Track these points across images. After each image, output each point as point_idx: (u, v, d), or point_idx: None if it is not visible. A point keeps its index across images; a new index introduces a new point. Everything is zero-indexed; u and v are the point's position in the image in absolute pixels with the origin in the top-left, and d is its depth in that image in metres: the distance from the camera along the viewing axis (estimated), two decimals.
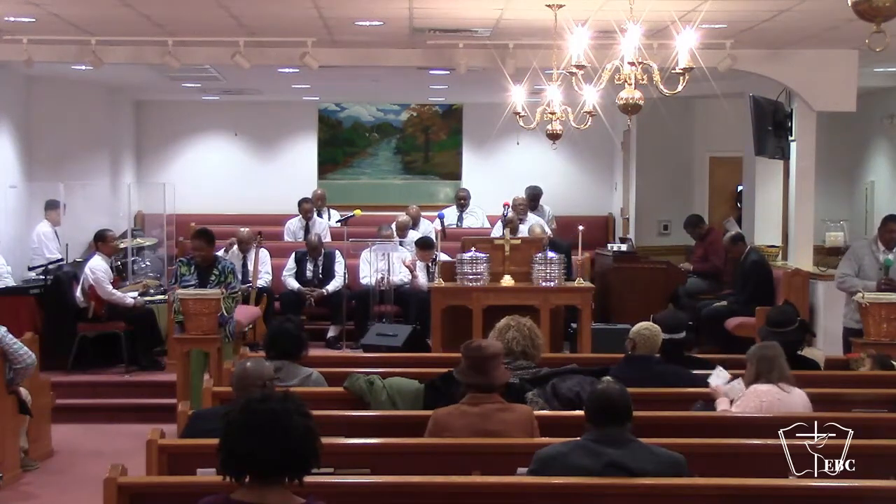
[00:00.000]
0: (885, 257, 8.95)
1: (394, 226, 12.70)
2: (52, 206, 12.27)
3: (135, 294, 10.53)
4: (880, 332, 8.05)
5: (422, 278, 11.29)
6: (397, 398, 5.87)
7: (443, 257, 10.60)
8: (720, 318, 10.57)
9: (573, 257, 10.47)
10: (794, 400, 5.51)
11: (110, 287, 10.16)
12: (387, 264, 11.43)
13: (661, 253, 13.67)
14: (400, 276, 11.55)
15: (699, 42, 5.98)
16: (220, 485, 3.22)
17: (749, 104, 11.35)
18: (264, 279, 11.52)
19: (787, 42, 10.16)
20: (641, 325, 6.35)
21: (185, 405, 5.69)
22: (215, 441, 3.20)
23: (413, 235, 12.72)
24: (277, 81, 13.67)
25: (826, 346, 9.47)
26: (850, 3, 4.27)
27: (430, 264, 11.31)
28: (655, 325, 6.38)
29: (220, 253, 10.28)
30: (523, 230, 12.28)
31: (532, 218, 12.93)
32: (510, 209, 11.89)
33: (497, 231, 12.32)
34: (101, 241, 10.49)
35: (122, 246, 11.70)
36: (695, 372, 6.47)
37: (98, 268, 10.14)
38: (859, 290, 8.51)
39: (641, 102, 6.09)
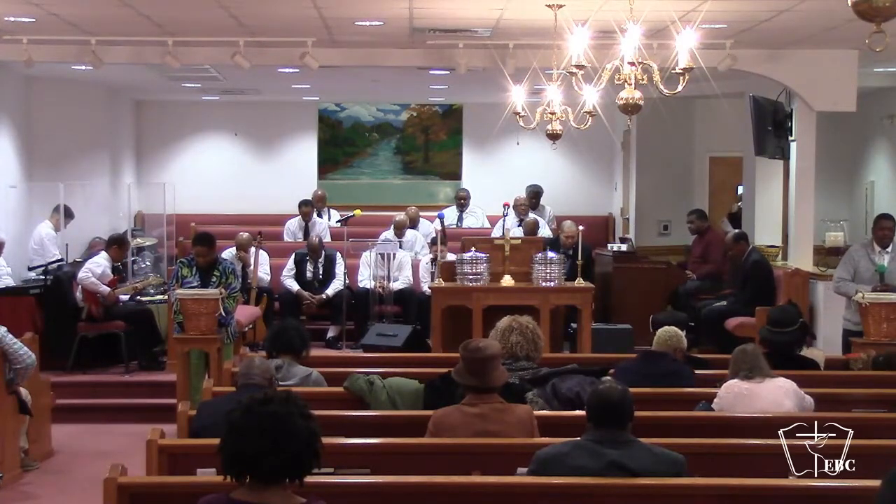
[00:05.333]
0: (879, 264, 8.94)
1: (392, 225, 12.70)
2: (58, 210, 12.20)
3: (126, 297, 10.49)
4: (880, 332, 8.05)
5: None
6: (397, 398, 5.87)
7: (450, 257, 10.46)
8: (720, 318, 10.56)
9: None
10: (763, 390, 5.64)
11: (96, 281, 9.99)
12: (386, 269, 11.43)
13: (661, 253, 13.67)
14: (400, 280, 11.54)
15: (699, 42, 5.98)
16: (221, 484, 3.22)
17: (749, 104, 11.35)
18: (263, 279, 11.52)
19: (787, 42, 10.16)
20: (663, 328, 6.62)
21: (185, 405, 5.69)
22: (216, 441, 3.20)
23: (411, 235, 12.72)
24: (277, 81, 13.67)
25: (825, 346, 9.47)
26: (850, 3, 4.28)
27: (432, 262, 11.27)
28: (674, 330, 6.48)
29: (225, 254, 10.28)
30: (520, 231, 12.30)
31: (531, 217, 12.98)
32: (510, 209, 11.89)
33: (497, 231, 12.33)
34: (118, 246, 10.46)
35: None
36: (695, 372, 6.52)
37: (98, 265, 10.10)
38: (853, 294, 8.53)
39: (641, 102, 6.09)
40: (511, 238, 9.85)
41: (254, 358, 5.58)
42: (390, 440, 5.07)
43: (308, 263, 11.75)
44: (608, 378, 5.42)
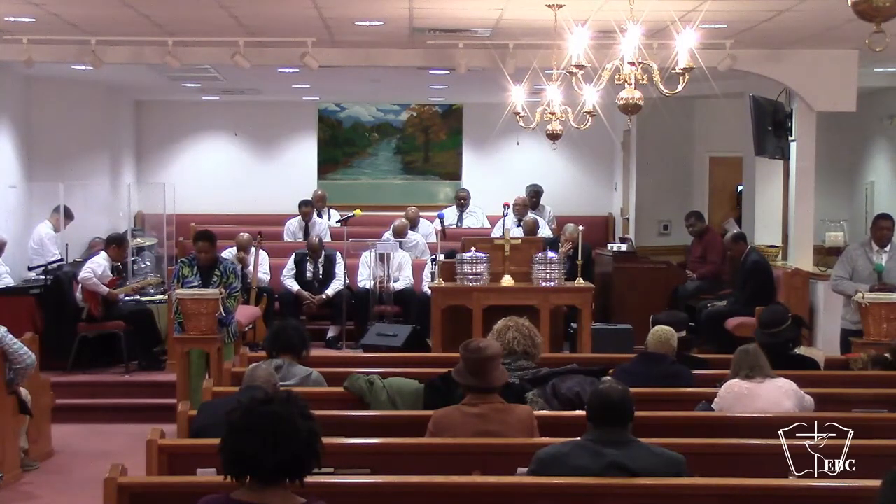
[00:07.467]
0: (877, 262, 8.94)
1: (391, 229, 12.66)
2: (58, 210, 12.18)
3: (123, 296, 10.48)
4: (880, 332, 8.04)
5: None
6: (397, 398, 5.87)
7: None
8: (720, 318, 10.56)
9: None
10: (764, 390, 5.63)
11: (98, 281, 9.98)
12: (385, 269, 11.42)
13: (661, 253, 13.67)
14: (400, 281, 11.53)
15: (699, 42, 5.98)
16: (221, 484, 3.22)
17: (749, 104, 11.35)
18: (263, 279, 11.51)
19: (786, 42, 10.16)
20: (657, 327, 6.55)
21: (185, 405, 5.69)
22: (217, 440, 3.20)
23: (412, 237, 12.71)
24: (277, 81, 13.67)
25: (825, 346, 9.47)
26: (850, 3, 4.28)
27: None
28: (669, 329, 6.47)
29: (225, 254, 10.26)
30: (520, 231, 12.29)
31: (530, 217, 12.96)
32: (510, 209, 11.87)
33: (497, 231, 12.32)
34: (116, 245, 10.41)
35: None
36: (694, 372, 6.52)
37: (98, 265, 10.08)
38: (852, 293, 8.52)
39: (641, 102, 6.09)
40: (511, 238, 9.85)
41: (259, 364, 5.57)
42: (390, 440, 5.07)
43: (308, 263, 11.74)
44: (608, 378, 5.42)
